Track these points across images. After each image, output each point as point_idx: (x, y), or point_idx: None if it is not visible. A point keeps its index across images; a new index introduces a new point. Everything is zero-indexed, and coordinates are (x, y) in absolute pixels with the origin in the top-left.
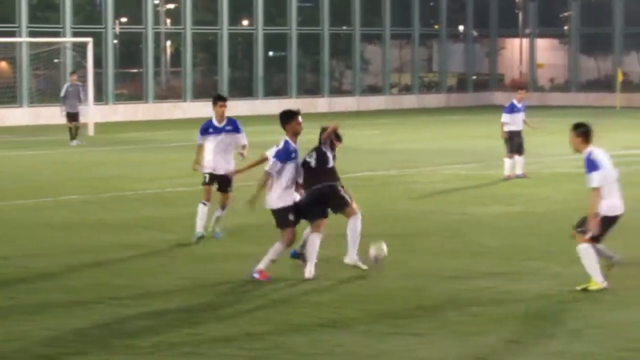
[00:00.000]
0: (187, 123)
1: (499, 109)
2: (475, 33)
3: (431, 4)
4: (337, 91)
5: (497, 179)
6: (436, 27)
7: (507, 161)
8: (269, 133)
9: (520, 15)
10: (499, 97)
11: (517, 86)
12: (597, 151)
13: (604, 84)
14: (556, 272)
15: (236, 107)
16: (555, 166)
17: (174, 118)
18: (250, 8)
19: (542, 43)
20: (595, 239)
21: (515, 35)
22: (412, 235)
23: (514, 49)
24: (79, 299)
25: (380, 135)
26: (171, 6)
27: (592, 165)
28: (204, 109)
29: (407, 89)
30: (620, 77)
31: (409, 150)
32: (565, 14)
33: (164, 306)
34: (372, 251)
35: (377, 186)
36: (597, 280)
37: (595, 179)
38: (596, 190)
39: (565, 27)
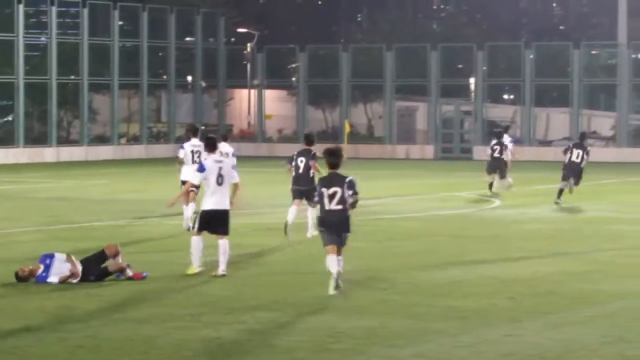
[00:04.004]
0: None
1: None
2: (203, 83)
3: (159, 54)
4: (65, 141)
5: None
6: (165, 77)
7: None
8: None
9: (249, 66)
10: (227, 148)
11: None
12: (209, 159)
13: (332, 135)
14: (285, 322)
15: None
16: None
17: None
18: None
19: (270, 94)
20: (200, 231)
21: (244, 86)
22: (138, 284)
23: (243, 99)
24: None
25: (108, 185)
26: None
27: (200, 167)
28: None
29: (135, 139)
30: (347, 128)
31: (137, 201)
32: (293, 65)
33: None
34: None
35: (105, 236)
36: (194, 266)
37: (196, 176)
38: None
39: (293, 79)
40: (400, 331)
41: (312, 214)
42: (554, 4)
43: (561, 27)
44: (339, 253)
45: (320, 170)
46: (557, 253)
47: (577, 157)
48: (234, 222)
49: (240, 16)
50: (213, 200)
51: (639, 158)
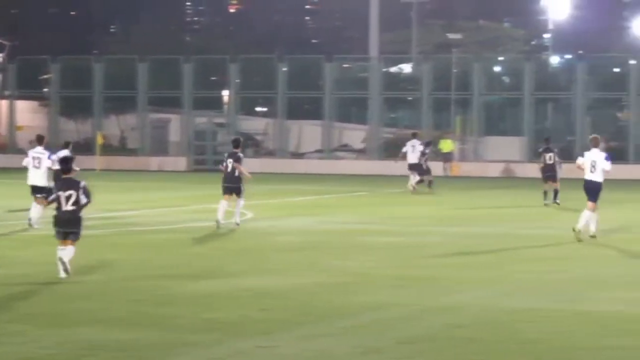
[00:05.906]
0: None
1: None
2: None
3: None
4: None
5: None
6: None
7: None
8: None
9: (0, 77)
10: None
11: None
12: None
13: (84, 147)
14: (37, 335)
15: None
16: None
17: None
18: None
19: (22, 105)
20: None
21: None
22: None
23: None
24: None
25: None
26: None
27: None
28: None
29: None
30: (100, 140)
31: None
32: (45, 76)
33: None
34: None
35: None
36: None
37: None
38: None
39: (45, 90)
40: (153, 343)
41: (240, 205)
42: (307, 18)
43: (314, 41)
44: (71, 244)
45: (243, 170)
46: (310, 265)
47: (550, 160)
48: None
49: None
50: None
51: (390, 171)
